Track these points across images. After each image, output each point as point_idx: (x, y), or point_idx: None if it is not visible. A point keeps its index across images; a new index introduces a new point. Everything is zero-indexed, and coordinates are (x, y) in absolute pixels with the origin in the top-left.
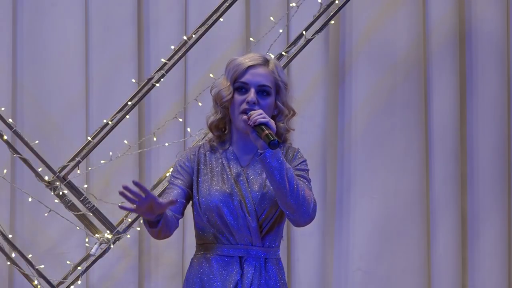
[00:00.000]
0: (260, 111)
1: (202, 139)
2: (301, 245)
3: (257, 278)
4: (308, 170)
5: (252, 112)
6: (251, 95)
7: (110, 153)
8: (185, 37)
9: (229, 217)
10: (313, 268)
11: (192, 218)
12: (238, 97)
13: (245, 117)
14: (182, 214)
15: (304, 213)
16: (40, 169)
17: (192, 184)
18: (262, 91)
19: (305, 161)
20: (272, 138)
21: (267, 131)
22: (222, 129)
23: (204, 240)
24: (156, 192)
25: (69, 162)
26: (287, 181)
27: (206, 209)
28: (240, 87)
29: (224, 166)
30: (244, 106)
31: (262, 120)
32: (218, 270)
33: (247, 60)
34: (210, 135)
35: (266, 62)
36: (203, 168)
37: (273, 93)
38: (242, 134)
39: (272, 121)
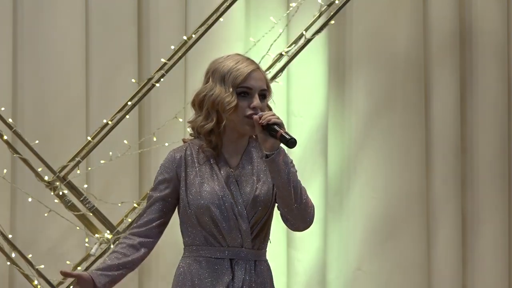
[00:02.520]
0: (273, 112)
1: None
2: (301, 246)
3: (248, 280)
4: (296, 171)
5: (264, 112)
6: (257, 100)
7: (110, 153)
8: (185, 37)
9: (220, 219)
10: (313, 268)
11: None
12: (242, 103)
13: (256, 116)
14: (161, 228)
15: (305, 219)
16: (40, 169)
17: (174, 192)
18: (262, 94)
19: (292, 161)
20: (290, 137)
21: (282, 131)
22: (212, 133)
23: (193, 241)
24: None
25: (69, 162)
26: (293, 185)
27: (197, 210)
28: (244, 92)
29: (214, 168)
30: (249, 111)
31: (277, 120)
32: (208, 273)
33: (243, 64)
34: (187, 137)
35: (257, 65)
36: (191, 170)
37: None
38: (234, 137)
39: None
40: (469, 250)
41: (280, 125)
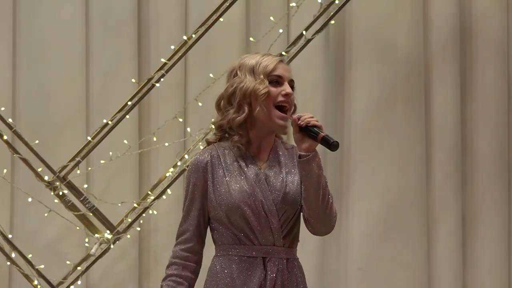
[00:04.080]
0: (311, 114)
1: (202, 139)
2: (301, 245)
3: (280, 279)
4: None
5: (302, 114)
6: (288, 87)
7: (110, 153)
8: (185, 37)
9: (252, 217)
10: (313, 268)
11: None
12: (273, 90)
13: (295, 117)
14: (203, 242)
15: (328, 224)
16: (40, 169)
17: (205, 194)
18: (291, 86)
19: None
20: (333, 140)
21: (323, 133)
22: (243, 128)
23: (224, 240)
24: (156, 191)
25: (69, 162)
26: (322, 190)
27: (227, 209)
28: (274, 80)
29: (242, 167)
30: (281, 98)
31: (316, 122)
32: (241, 271)
33: (269, 57)
34: (211, 137)
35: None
36: (218, 170)
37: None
38: (262, 133)
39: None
40: (469, 250)
41: (320, 128)
